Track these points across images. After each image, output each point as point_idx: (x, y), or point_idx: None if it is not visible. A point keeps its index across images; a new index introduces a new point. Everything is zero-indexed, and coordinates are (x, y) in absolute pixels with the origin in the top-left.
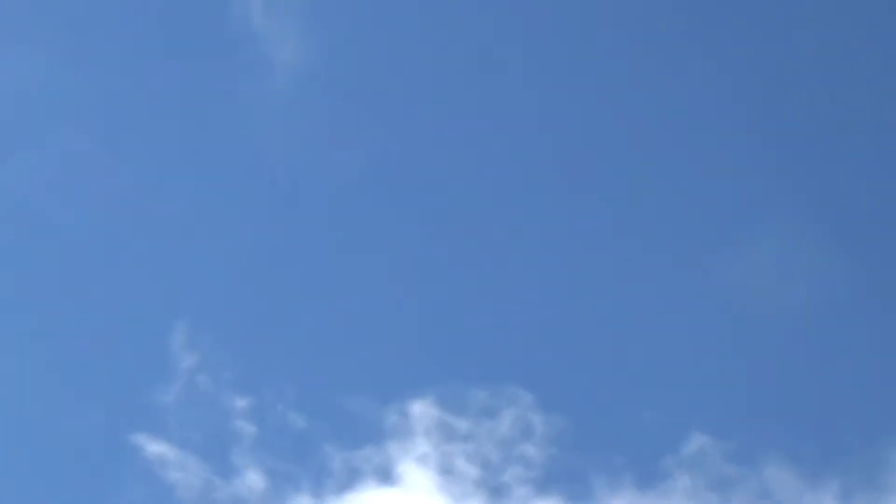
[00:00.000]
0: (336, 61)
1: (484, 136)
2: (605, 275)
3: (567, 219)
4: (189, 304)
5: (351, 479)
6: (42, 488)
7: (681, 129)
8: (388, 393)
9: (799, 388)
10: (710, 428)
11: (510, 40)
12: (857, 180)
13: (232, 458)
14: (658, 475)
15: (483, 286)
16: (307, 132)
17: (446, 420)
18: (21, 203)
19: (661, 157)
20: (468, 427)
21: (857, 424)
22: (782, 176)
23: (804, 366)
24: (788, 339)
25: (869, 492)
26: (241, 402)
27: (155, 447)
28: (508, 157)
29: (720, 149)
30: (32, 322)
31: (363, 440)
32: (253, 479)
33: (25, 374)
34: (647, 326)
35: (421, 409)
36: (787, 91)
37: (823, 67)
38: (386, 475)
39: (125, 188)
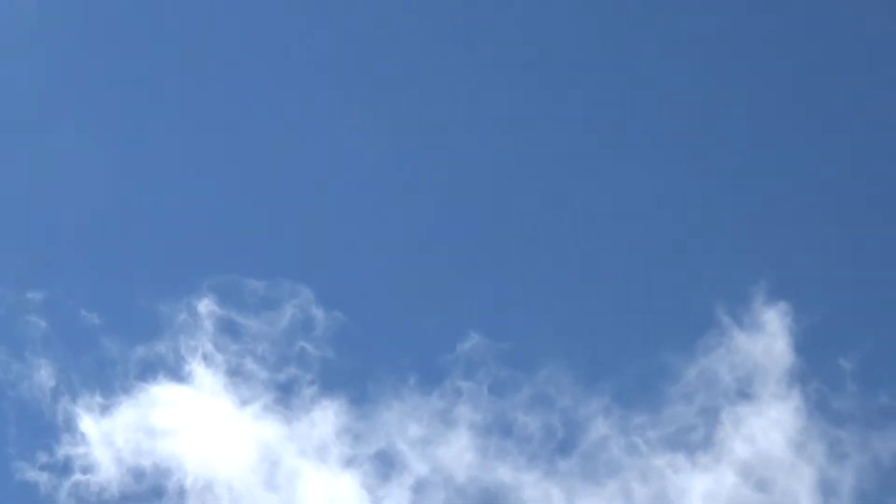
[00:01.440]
0: None
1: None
2: (382, 172)
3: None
4: None
5: (141, 376)
6: None
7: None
8: (176, 289)
9: (572, 292)
10: (485, 329)
11: None
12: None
13: (24, 354)
14: (437, 377)
15: (262, 181)
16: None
17: (233, 318)
18: None
19: None
20: (253, 325)
21: (633, 331)
22: None
23: (573, 270)
24: (563, 242)
25: (643, 398)
26: (31, 296)
27: None
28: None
29: None
30: None
31: (152, 337)
32: (44, 375)
33: None
34: (423, 224)
35: (207, 307)
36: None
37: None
38: (175, 373)
39: None
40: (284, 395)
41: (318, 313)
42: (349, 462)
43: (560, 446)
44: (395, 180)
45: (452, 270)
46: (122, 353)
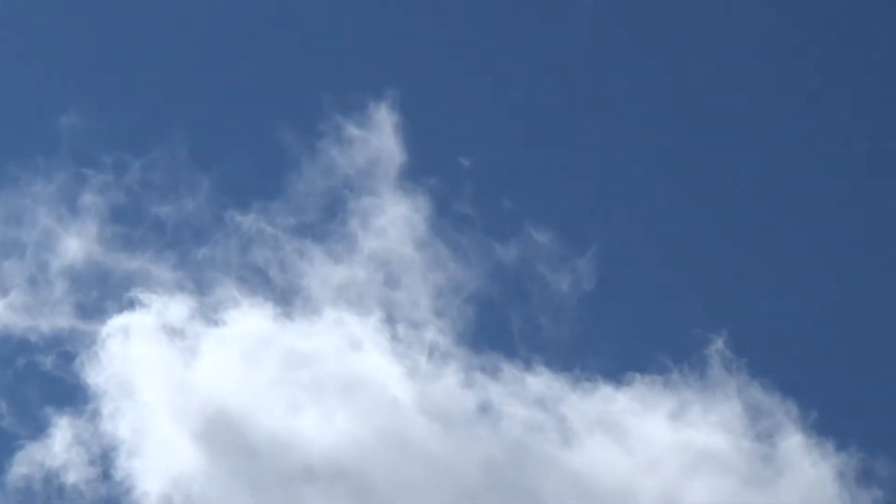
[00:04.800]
0: None
1: None
2: None
3: None
4: None
5: None
6: None
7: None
8: None
9: (178, 72)
10: (85, 107)
11: None
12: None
13: None
14: (58, 161)
15: None
16: None
17: None
18: None
19: None
20: None
21: (245, 115)
22: None
23: (178, 56)
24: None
25: (267, 186)
26: None
27: None
28: None
29: None
30: None
31: None
32: None
33: None
34: None
35: None
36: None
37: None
38: None
39: None
40: None
41: None
42: None
43: (193, 234)
44: None
45: (53, 48)
46: None
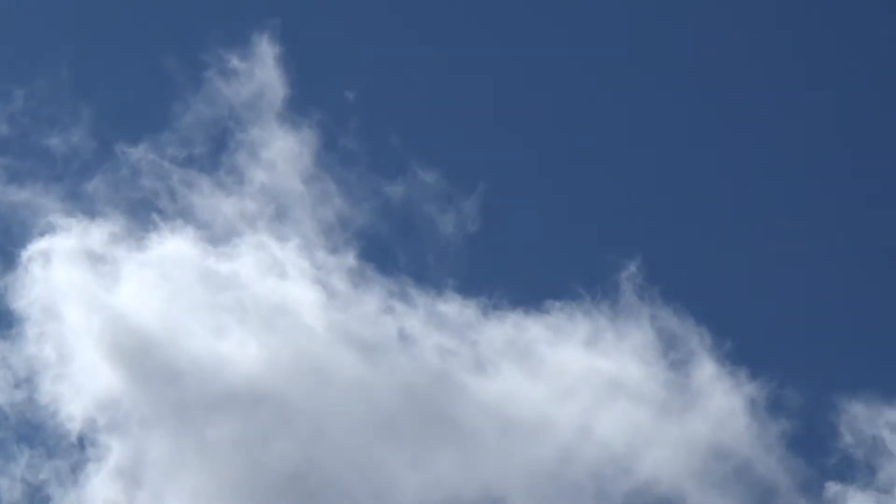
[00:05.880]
0: None
1: None
2: None
3: None
4: None
5: None
6: None
7: None
8: None
9: None
10: None
11: None
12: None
13: None
14: None
15: None
16: None
17: None
18: None
19: None
20: None
21: (132, 44)
22: None
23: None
24: None
25: (156, 118)
26: None
27: None
28: None
29: None
30: None
31: None
32: None
33: None
34: None
35: None
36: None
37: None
38: None
39: None
40: None
41: None
42: None
43: (83, 167)
44: None
45: None
46: None
